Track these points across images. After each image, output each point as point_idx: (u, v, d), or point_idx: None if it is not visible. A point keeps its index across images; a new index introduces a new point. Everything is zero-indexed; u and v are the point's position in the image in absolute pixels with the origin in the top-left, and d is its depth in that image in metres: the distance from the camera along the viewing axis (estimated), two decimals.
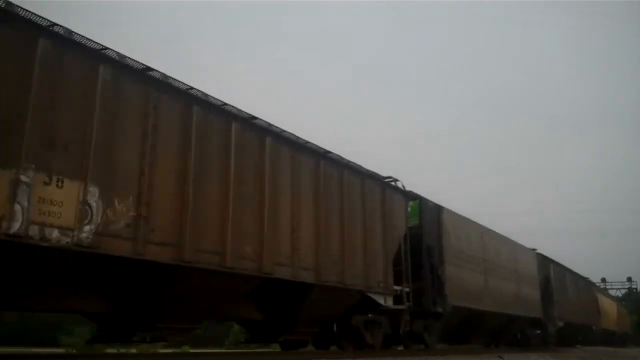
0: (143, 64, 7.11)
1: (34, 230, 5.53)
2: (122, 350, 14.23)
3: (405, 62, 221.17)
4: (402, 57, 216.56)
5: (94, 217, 6.10)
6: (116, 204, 6.38)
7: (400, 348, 12.73)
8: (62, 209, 5.77)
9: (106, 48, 6.63)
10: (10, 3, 5.78)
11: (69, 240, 5.81)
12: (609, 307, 37.56)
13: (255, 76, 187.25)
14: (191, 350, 15.68)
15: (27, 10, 5.93)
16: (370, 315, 11.21)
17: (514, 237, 19.71)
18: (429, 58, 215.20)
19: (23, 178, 5.48)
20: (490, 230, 17.31)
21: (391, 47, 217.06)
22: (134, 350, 14.87)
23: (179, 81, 7.59)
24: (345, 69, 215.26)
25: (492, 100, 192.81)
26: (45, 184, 5.71)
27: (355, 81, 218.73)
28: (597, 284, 45.74)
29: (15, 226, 5.38)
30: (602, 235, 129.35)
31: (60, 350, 12.17)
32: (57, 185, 5.80)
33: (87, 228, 6.01)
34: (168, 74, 7.51)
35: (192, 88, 7.75)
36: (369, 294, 10.72)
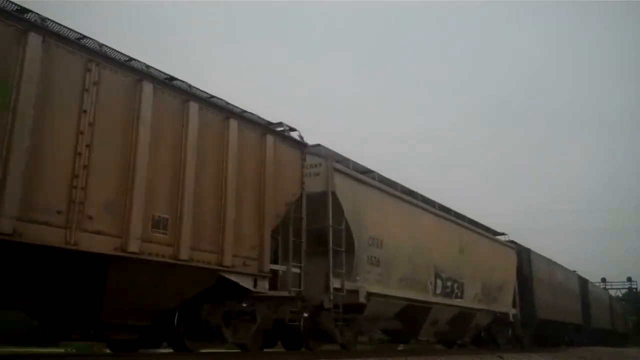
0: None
1: None
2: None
3: (404, 63, 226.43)
4: (402, 58, 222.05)
5: None
6: None
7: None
8: None
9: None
10: None
11: None
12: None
13: (255, 76, 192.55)
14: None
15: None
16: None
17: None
18: (428, 58, 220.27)
19: None
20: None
21: (391, 48, 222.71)
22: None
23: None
24: (345, 69, 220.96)
25: (491, 101, 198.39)
26: None
27: (355, 81, 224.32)
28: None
29: None
30: (602, 235, 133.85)
31: (60, 350, 12.04)
32: None
33: None
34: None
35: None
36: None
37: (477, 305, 15.84)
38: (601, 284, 59.20)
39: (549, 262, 23.50)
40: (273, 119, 9.38)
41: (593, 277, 42.55)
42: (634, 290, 67.51)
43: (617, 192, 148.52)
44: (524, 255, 20.51)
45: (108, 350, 8.93)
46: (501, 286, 17.56)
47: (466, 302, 15.26)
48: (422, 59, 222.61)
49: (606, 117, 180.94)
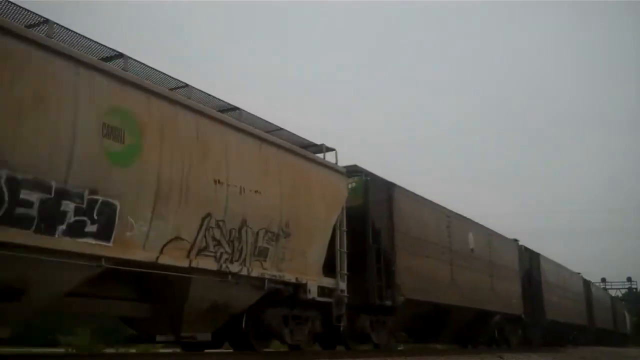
0: None
1: None
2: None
3: (404, 63, 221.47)
4: (402, 58, 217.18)
5: None
6: None
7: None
8: None
9: None
10: None
11: None
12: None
13: (255, 76, 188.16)
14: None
15: None
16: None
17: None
18: (428, 58, 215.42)
19: None
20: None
21: (391, 48, 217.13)
22: (133, 350, 13.92)
23: None
24: (345, 69, 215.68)
25: (491, 101, 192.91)
26: None
27: (355, 81, 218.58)
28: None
29: None
30: (602, 235, 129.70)
31: (61, 350, 11.66)
32: None
33: None
34: None
35: None
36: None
37: (181, 263, 7.36)
38: (601, 284, 56.39)
39: (446, 212, 14.82)
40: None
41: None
42: (634, 290, 66.86)
43: (617, 192, 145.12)
44: (375, 191, 11.86)
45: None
46: (290, 232, 9.06)
47: (143, 254, 6.81)
48: (422, 59, 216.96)
49: (606, 117, 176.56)
